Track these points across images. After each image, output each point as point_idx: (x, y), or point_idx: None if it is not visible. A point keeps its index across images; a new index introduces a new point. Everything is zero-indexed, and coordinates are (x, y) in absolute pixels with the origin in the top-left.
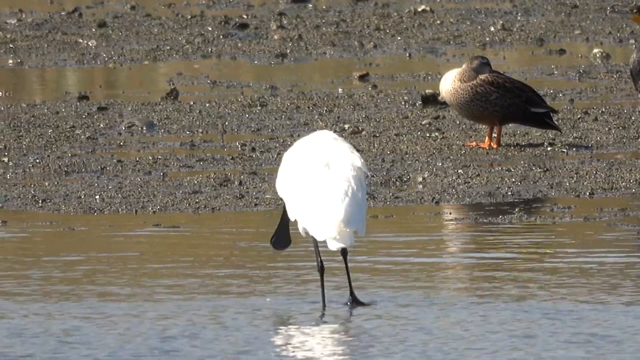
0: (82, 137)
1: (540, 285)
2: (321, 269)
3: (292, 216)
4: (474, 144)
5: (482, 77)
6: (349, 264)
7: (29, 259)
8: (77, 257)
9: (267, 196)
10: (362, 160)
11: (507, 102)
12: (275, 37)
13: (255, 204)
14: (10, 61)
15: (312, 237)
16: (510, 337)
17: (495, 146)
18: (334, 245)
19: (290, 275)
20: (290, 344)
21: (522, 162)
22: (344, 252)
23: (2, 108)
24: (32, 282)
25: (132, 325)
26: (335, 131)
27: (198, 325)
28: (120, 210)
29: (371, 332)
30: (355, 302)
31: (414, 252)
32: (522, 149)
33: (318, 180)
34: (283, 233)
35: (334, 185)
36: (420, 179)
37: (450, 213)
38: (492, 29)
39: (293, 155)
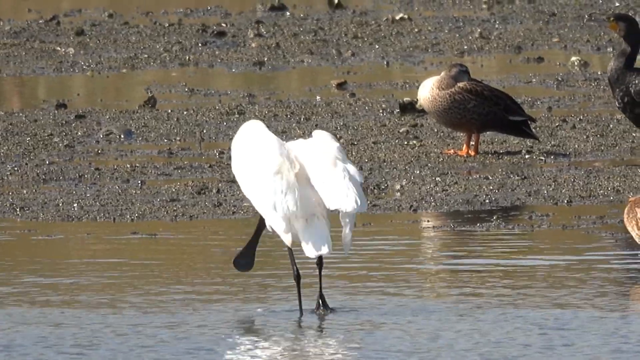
0: (60, 145)
1: (519, 291)
2: (297, 277)
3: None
4: (451, 151)
5: (460, 85)
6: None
7: (6, 265)
8: (56, 264)
9: (245, 204)
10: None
11: (485, 110)
12: (253, 45)
13: (233, 212)
14: None
15: (286, 245)
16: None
17: (473, 154)
18: (314, 252)
19: (266, 284)
20: (264, 352)
21: (500, 170)
22: (319, 262)
23: None
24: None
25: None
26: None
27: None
28: (98, 218)
29: (348, 339)
30: (324, 306)
31: (391, 259)
32: (500, 157)
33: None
34: (248, 253)
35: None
36: (398, 187)
37: (428, 221)
38: (470, 37)
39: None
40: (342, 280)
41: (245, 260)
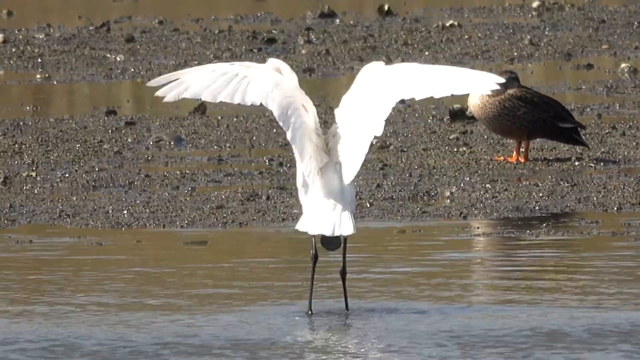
0: (110, 151)
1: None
2: (314, 258)
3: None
4: (501, 158)
5: (510, 91)
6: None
7: (58, 275)
8: (106, 272)
9: (295, 211)
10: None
11: (535, 117)
12: (303, 51)
13: (283, 219)
14: (38, 76)
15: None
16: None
17: (523, 161)
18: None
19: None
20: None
21: (550, 177)
22: (343, 274)
23: (30, 123)
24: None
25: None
26: None
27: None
28: (148, 225)
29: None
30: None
31: (440, 264)
32: (550, 164)
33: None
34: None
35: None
36: (447, 194)
37: (478, 228)
38: (520, 43)
39: None
40: (392, 286)
41: (330, 239)
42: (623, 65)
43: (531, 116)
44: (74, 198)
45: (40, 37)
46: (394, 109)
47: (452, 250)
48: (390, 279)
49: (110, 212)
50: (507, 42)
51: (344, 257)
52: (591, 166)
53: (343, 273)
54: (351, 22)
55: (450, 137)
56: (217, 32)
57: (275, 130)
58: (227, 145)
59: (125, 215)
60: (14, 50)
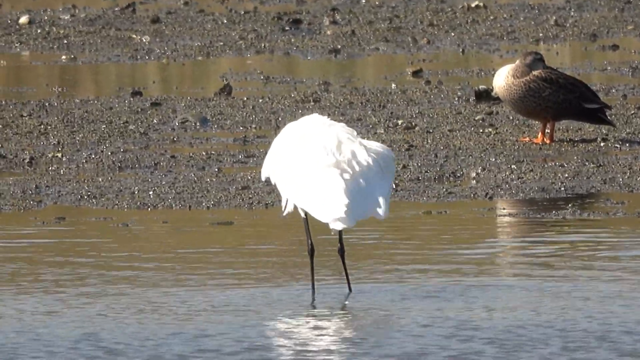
0: (136, 132)
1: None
2: (311, 251)
3: (289, 198)
4: (527, 139)
5: (535, 73)
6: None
7: (84, 258)
8: (133, 252)
9: None
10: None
11: (560, 98)
12: (328, 32)
13: None
14: (64, 57)
15: (303, 217)
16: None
17: (548, 142)
18: (338, 226)
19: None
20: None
21: (575, 158)
22: (341, 252)
23: (56, 104)
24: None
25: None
26: (388, 127)
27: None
28: (174, 205)
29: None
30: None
31: (465, 246)
32: (575, 145)
33: (322, 163)
34: None
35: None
36: (473, 175)
37: (504, 208)
38: (546, 24)
39: (288, 137)
40: (419, 265)
41: None
42: None
43: (556, 97)
44: (100, 179)
45: (66, 17)
46: (419, 89)
47: (476, 231)
48: (410, 259)
49: (136, 192)
50: (532, 22)
51: (341, 236)
52: (617, 147)
53: (341, 251)
54: (377, 3)
55: (476, 118)
56: (242, 13)
57: (300, 112)
58: (253, 126)
59: (151, 196)
60: (39, 31)
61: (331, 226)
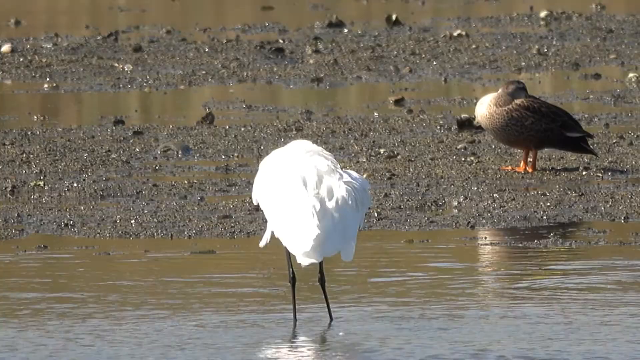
0: (118, 161)
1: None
2: (292, 280)
3: (269, 225)
4: (509, 168)
5: (517, 101)
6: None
7: (64, 283)
8: (113, 281)
9: None
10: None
11: (542, 127)
12: (311, 61)
13: None
14: (46, 85)
15: (285, 246)
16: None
17: (530, 170)
18: (305, 261)
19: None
20: None
21: (558, 187)
22: (322, 282)
23: (38, 132)
24: (73, 304)
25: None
26: (370, 155)
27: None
28: (155, 234)
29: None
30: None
31: (446, 275)
32: (558, 173)
33: (298, 196)
34: None
35: (311, 203)
36: (455, 203)
37: (486, 237)
38: (528, 53)
39: (271, 165)
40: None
41: None
42: (631, 74)
43: (539, 126)
44: (82, 207)
45: (48, 46)
46: (401, 118)
47: (457, 260)
48: (395, 285)
49: (118, 221)
50: (514, 51)
51: (321, 265)
52: (599, 176)
53: (322, 280)
54: (359, 32)
55: (458, 147)
56: (224, 41)
57: (282, 140)
58: (235, 154)
59: (133, 225)
60: (21, 59)
61: (298, 260)
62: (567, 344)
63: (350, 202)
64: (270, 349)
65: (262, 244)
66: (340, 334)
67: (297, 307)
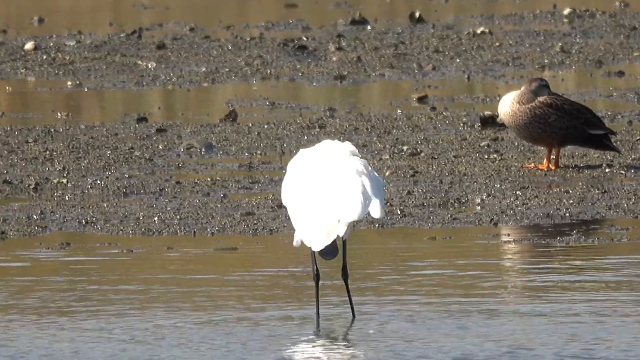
0: (141, 158)
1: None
2: (317, 277)
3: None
4: (532, 165)
5: (540, 99)
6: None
7: (87, 281)
8: (136, 279)
9: None
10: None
11: (565, 124)
12: (334, 58)
13: None
14: (69, 83)
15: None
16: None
17: (553, 168)
18: (319, 244)
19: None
20: None
21: (581, 184)
22: (345, 277)
23: (61, 129)
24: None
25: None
26: (393, 153)
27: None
28: (178, 231)
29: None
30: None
31: (469, 272)
32: (581, 171)
33: (312, 189)
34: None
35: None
36: (478, 201)
37: (509, 235)
38: (551, 51)
39: (294, 165)
40: (424, 288)
41: (329, 248)
42: None
43: (562, 123)
44: (105, 205)
45: (71, 44)
46: (424, 115)
47: (481, 258)
48: (420, 282)
49: (141, 218)
50: (538, 49)
51: (344, 257)
52: (622, 173)
53: (344, 275)
54: (382, 29)
55: (481, 144)
56: (248, 39)
57: (305, 137)
58: (258, 152)
59: (156, 222)
60: (45, 57)
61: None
62: (594, 341)
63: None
64: (295, 347)
65: (296, 243)
66: (371, 331)
67: (320, 304)
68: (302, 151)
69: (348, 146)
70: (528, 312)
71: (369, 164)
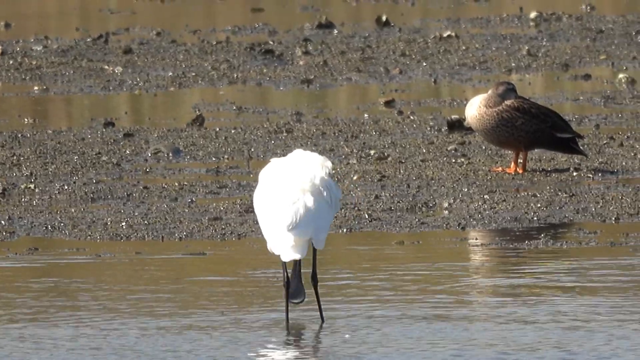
0: (108, 163)
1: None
2: (287, 284)
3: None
4: (499, 169)
5: (507, 102)
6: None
7: (55, 285)
8: (104, 284)
9: None
10: (326, 173)
11: (532, 128)
12: (301, 62)
13: None
14: (36, 87)
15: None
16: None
17: (521, 171)
18: (286, 257)
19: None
20: None
21: (548, 188)
22: (314, 282)
23: (28, 135)
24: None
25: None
26: (360, 157)
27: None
28: (146, 236)
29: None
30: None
31: (437, 276)
32: (548, 174)
33: (273, 193)
34: (296, 281)
35: (284, 196)
36: (446, 205)
37: (477, 239)
38: (518, 54)
39: (264, 175)
40: (393, 294)
41: (296, 288)
42: (621, 75)
43: (529, 127)
44: (73, 210)
45: (38, 49)
46: (392, 119)
47: (449, 261)
48: (384, 287)
49: (108, 224)
50: (504, 52)
51: (314, 261)
52: (589, 177)
53: (314, 281)
54: (349, 33)
55: (449, 148)
56: (214, 43)
57: (273, 142)
58: (225, 156)
59: (124, 227)
60: (11, 62)
61: (282, 257)
62: (561, 345)
63: (325, 194)
64: (263, 351)
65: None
66: (347, 336)
67: (289, 310)
68: (273, 160)
69: (319, 159)
70: (496, 316)
71: (333, 180)
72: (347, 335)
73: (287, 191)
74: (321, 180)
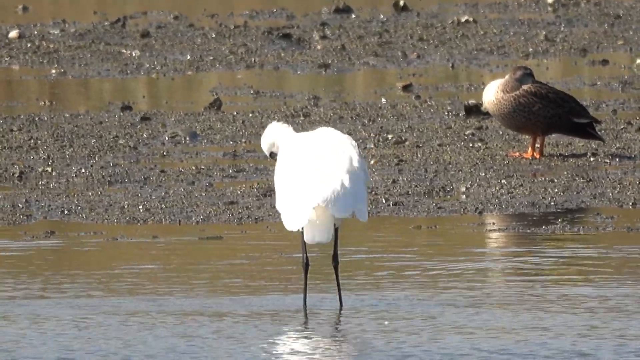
0: (126, 147)
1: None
2: (306, 266)
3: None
4: (517, 154)
5: (525, 87)
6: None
7: (73, 270)
8: (121, 268)
9: None
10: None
11: (550, 113)
12: (318, 47)
13: None
14: (54, 71)
15: (300, 231)
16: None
17: (538, 156)
18: (311, 239)
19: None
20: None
21: (565, 173)
22: (335, 264)
23: (46, 118)
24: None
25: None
26: (378, 141)
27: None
28: (163, 220)
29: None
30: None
31: (457, 260)
32: (565, 159)
33: (302, 169)
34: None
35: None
36: (463, 189)
37: (494, 223)
38: (536, 39)
39: (288, 149)
40: (411, 280)
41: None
42: (638, 61)
43: (546, 112)
44: (90, 193)
45: (56, 32)
46: (409, 104)
47: (467, 246)
48: (404, 273)
49: (125, 207)
50: (522, 37)
51: (336, 245)
52: (606, 162)
53: (335, 262)
54: (367, 18)
55: (466, 133)
56: (232, 27)
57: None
58: (243, 140)
59: (141, 211)
60: (29, 45)
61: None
62: (582, 330)
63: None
64: (280, 336)
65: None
66: (386, 322)
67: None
68: (299, 135)
69: (348, 138)
70: (516, 302)
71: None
72: (386, 322)
73: (328, 170)
74: (359, 162)
